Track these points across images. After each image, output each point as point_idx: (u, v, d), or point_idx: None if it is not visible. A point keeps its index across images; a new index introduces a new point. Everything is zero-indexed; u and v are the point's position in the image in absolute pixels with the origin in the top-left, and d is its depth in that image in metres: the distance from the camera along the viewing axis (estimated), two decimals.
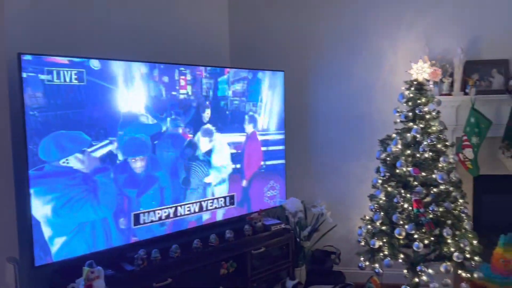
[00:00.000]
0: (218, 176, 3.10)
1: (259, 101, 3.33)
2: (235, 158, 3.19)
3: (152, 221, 2.73)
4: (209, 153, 3.02)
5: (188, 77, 2.88)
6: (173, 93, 2.80)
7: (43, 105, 2.22)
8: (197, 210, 2.98)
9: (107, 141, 2.47)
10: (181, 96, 2.85)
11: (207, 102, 3.00)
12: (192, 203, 2.95)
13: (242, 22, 3.78)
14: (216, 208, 3.10)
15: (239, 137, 3.21)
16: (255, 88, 3.30)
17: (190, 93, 2.90)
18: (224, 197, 3.15)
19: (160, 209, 2.77)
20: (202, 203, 3.02)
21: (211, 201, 3.07)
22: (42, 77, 2.21)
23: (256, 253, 3.06)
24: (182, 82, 2.85)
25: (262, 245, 3.10)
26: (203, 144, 2.98)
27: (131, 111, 2.58)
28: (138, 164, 2.62)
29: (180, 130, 2.85)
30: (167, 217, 2.81)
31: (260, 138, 3.36)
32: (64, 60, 2.29)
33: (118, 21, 2.92)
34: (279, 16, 3.72)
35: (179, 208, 2.88)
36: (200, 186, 2.99)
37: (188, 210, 2.93)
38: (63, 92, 2.29)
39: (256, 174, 3.35)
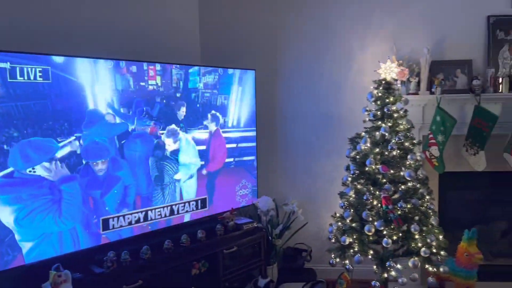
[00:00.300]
0: (187, 173, 3.06)
1: (231, 94, 3.31)
2: (203, 154, 3.15)
3: (121, 226, 2.68)
4: (176, 152, 2.97)
5: (158, 67, 2.83)
6: (142, 83, 2.73)
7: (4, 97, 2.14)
8: (168, 214, 2.94)
9: (73, 138, 2.40)
10: (150, 87, 2.79)
11: (178, 94, 2.95)
12: (163, 207, 2.91)
13: (212, 20, 3.75)
14: (187, 211, 3.07)
15: (207, 133, 3.18)
16: (226, 81, 3.27)
17: (159, 84, 2.84)
18: (196, 201, 3.12)
19: (130, 214, 2.72)
20: (173, 207, 2.98)
21: (182, 205, 3.03)
22: (4, 67, 2.13)
23: (228, 253, 3.05)
24: (151, 73, 2.79)
25: (234, 244, 3.10)
26: (169, 144, 2.93)
27: (97, 110, 2.51)
28: (99, 167, 2.55)
29: (148, 130, 2.80)
30: (138, 221, 2.76)
31: (230, 135, 3.33)
32: (28, 57, 2.21)
33: (86, 18, 2.85)
34: (249, 15, 3.71)
35: (149, 212, 2.83)
36: (171, 184, 2.94)
37: (159, 215, 2.88)
38: (27, 90, 2.21)
39: (223, 171, 3.31)
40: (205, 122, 3.15)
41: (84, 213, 2.49)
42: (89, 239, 2.52)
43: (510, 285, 3.45)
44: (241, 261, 3.18)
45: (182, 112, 2.98)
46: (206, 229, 3.02)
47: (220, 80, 3.22)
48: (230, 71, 3.29)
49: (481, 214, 3.70)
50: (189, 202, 3.07)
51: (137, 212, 2.76)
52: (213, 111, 3.19)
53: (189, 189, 3.08)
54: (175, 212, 2.98)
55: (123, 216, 2.68)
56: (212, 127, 3.20)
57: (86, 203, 2.49)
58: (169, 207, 2.94)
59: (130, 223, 2.72)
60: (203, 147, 3.15)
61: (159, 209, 2.88)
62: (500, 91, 3.33)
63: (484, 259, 3.16)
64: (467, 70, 3.43)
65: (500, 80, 3.33)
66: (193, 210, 3.10)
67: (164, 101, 2.87)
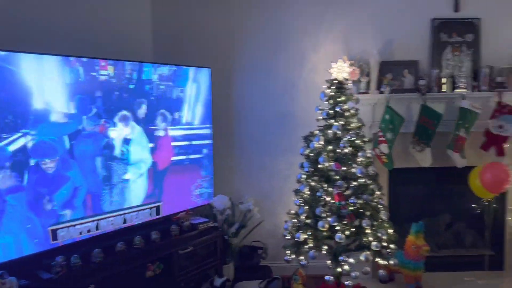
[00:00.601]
0: (137, 172, 2.98)
1: (186, 88, 3.25)
2: (153, 152, 3.07)
3: (72, 237, 2.57)
4: (127, 142, 2.87)
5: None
6: (93, 73, 2.62)
7: None
8: (121, 223, 2.86)
9: (19, 134, 2.28)
10: (102, 78, 2.68)
11: (131, 86, 2.85)
12: (115, 216, 2.82)
13: (166, 17, 3.67)
14: (142, 219, 2.99)
15: (158, 131, 3.11)
16: (182, 73, 3.22)
17: (112, 74, 2.73)
18: (150, 208, 3.05)
19: (81, 224, 2.62)
20: (126, 216, 2.89)
21: (136, 213, 2.96)
22: None
23: (184, 253, 3.01)
24: (103, 63, 2.68)
25: (189, 245, 3.06)
26: (121, 128, 2.82)
27: (44, 108, 2.40)
28: (48, 165, 2.43)
29: (98, 128, 2.70)
30: (88, 231, 2.66)
31: (185, 132, 3.27)
32: None
33: (35, 12, 2.72)
34: (204, 12, 3.67)
35: (101, 221, 2.74)
36: (120, 183, 2.85)
37: (111, 224, 2.80)
38: None
39: (176, 170, 3.25)
40: (157, 120, 3.09)
41: (30, 219, 2.36)
42: (36, 245, 2.40)
43: (455, 275, 3.64)
44: (197, 261, 3.15)
45: (142, 110, 2.91)
46: (160, 230, 2.97)
47: (175, 72, 3.16)
48: (185, 68, 3.25)
49: (427, 208, 3.87)
50: (143, 209, 3.00)
51: (88, 222, 2.66)
52: (162, 110, 3.10)
53: (140, 188, 3.01)
54: (128, 221, 2.91)
55: (74, 226, 2.58)
56: (162, 125, 3.13)
57: (34, 205, 2.37)
58: (121, 216, 2.86)
59: (81, 233, 2.62)
60: (152, 145, 3.07)
61: (111, 218, 2.79)
62: (444, 90, 3.50)
63: (431, 251, 3.31)
64: (414, 70, 3.58)
65: (444, 80, 3.51)
66: (148, 219, 3.03)
67: (117, 93, 2.77)
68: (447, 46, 3.59)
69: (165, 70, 3.09)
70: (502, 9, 3.58)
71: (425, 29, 3.60)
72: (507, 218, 3.69)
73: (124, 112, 2.84)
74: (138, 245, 2.78)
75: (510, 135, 3.39)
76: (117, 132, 2.81)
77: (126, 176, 2.90)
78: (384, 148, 3.37)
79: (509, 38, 3.60)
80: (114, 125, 2.78)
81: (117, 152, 2.82)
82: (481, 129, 3.47)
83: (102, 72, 2.69)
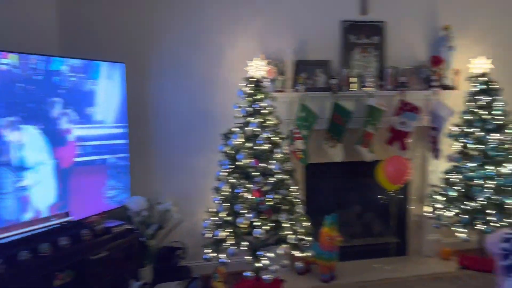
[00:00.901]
0: (37, 178, 2.69)
1: (99, 82, 3.06)
2: (56, 153, 2.82)
3: None
4: (21, 148, 2.58)
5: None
6: None
7: None
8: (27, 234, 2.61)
9: None
10: (3, 67, 2.40)
11: (39, 77, 2.60)
12: (21, 233, 2.55)
13: (74, 8, 3.42)
14: (49, 226, 2.75)
15: (63, 130, 2.88)
16: (94, 65, 3.03)
17: (17, 64, 2.45)
18: (60, 223, 2.82)
19: None
20: (32, 226, 2.63)
21: (45, 228, 2.71)
22: None
23: (96, 258, 2.84)
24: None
25: (102, 249, 2.89)
26: (8, 135, 2.51)
27: None
28: None
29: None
30: None
31: (96, 131, 3.08)
32: None
33: None
34: (118, 7, 3.48)
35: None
36: (19, 191, 2.57)
37: (18, 236, 2.53)
38: None
39: (86, 171, 3.04)
40: (65, 117, 2.86)
41: None
42: None
43: (365, 262, 3.87)
44: (113, 266, 2.99)
45: (57, 110, 2.70)
46: (70, 235, 2.76)
47: (87, 66, 2.97)
48: (96, 62, 3.06)
49: (340, 200, 4.07)
50: (52, 225, 2.77)
51: None
52: (70, 106, 2.88)
53: (47, 192, 2.77)
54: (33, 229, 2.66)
55: None
56: (69, 124, 2.91)
57: None
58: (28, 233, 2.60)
59: None
60: (58, 144, 2.83)
61: (15, 237, 2.52)
62: (353, 89, 3.70)
63: (343, 241, 3.49)
64: (326, 70, 3.74)
65: (353, 79, 3.71)
66: (56, 224, 2.80)
67: (23, 85, 2.51)
68: (355, 47, 3.80)
69: (76, 61, 2.87)
70: (405, 14, 3.89)
71: (335, 30, 3.78)
72: (409, 207, 4.02)
73: (29, 108, 2.58)
74: (44, 252, 2.56)
75: (411, 131, 3.69)
76: (21, 132, 2.55)
77: (28, 181, 2.64)
78: (299, 144, 3.47)
79: (411, 40, 3.92)
80: (17, 123, 2.52)
81: (17, 155, 2.56)
82: (387, 125, 3.72)
83: (3, 61, 2.41)
